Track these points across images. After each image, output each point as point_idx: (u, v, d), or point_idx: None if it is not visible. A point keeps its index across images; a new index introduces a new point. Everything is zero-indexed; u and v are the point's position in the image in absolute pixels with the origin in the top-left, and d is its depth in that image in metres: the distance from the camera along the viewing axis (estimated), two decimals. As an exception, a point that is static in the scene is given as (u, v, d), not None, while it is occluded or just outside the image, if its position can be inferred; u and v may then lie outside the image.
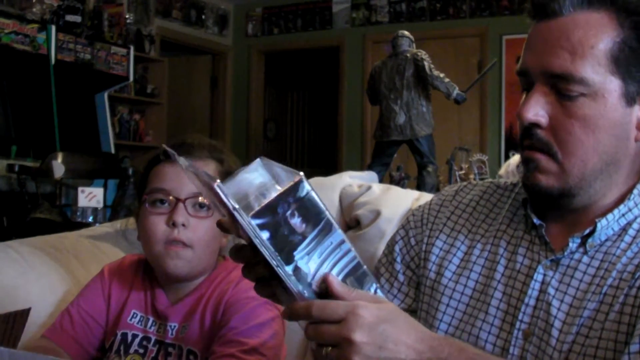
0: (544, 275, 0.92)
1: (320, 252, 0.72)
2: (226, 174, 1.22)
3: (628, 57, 0.87)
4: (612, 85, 0.87)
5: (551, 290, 0.91)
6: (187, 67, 7.44)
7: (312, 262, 0.72)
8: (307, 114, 9.51)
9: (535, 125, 0.90)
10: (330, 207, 1.61)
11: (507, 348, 0.92)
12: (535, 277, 0.93)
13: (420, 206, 1.13)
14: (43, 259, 1.43)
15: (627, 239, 0.90)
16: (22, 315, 1.06)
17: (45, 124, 4.64)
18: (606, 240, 0.91)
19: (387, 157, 4.93)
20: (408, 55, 4.80)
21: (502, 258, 0.97)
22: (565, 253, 0.92)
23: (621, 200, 0.93)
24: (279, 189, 0.68)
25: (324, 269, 0.73)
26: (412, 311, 1.05)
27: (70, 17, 5.08)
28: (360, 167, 6.05)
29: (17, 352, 0.84)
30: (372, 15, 6.89)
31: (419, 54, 4.73)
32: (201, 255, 1.18)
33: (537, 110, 0.89)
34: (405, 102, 4.77)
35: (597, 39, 0.87)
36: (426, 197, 1.50)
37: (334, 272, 0.74)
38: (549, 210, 0.96)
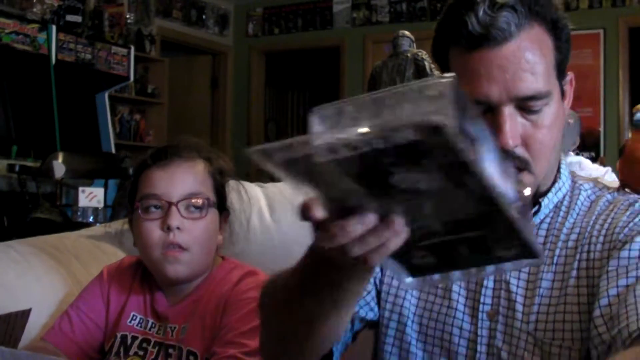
0: None
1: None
2: (216, 173, 1.22)
3: (561, 58, 0.93)
4: (556, 87, 0.93)
5: None
6: (188, 67, 7.44)
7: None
8: (308, 114, 9.49)
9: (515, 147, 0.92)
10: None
11: (475, 331, 0.96)
12: None
13: None
14: (43, 259, 1.43)
15: (562, 214, 0.99)
16: (22, 316, 1.06)
17: (45, 124, 4.64)
18: (545, 217, 0.99)
19: (387, 157, 4.93)
20: (408, 55, 4.80)
21: None
22: None
23: (554, 179, 1.00)
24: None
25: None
26: (373, 322, 1.06)
27: (70, 17, 5.08)
28: (361, 167, 6.05)
29: (19, 352, 0.84)
30: (372, 15, 6.89)
31: (419, 54, 4.74)
32: (199, 256, 1.17)
33: (515, 134, 0.90)
34: (405, 102, 4.76)
35: (545, 52, 0.90)
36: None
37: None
38: None
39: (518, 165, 0.92)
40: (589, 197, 1.01)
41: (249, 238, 1.42)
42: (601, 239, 0.94)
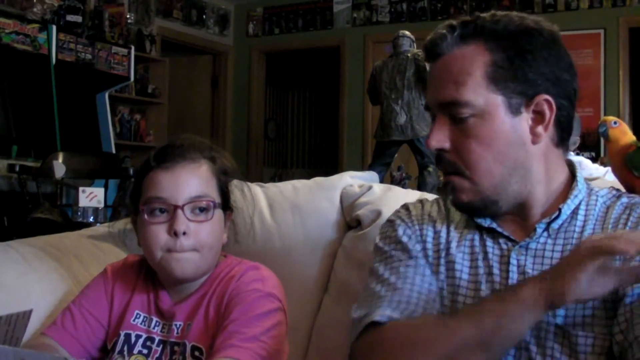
0: (518, 259, 1.03)
1: None
2: (220, 173, 1.22)
3: (503, 75, 1.00)
4: (496, 102, 1.01)
5: (529, 270, 1.02)
6: (188, 67, 7.44)
7: None
8: (308, 114, 9.51)
9: (442, 150, 1.04)
10: (331, 207, 1.61)
11: None
12: (511, 262, 1.03)
13: (391, 218, 1.20)
14: (44, 259, 1.43)
15: (580, 219, 1.04)
16: (23, 317, 1.06)
17: (46, 124, 4.64)
18: (562, 224, 1.04)
19: (388, 157, 4.94)
20: (409, 55, 4.81)
21: (476, 248, 1.08)
22: (534, 238, 1.04)
23: (565, 190, 1.06)
24: None
25: None
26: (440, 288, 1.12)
27: (71, 17, 5.08)
28: (361, 167, 6.05)
29: (22, 351, 0.84)
30: (373, 15, 6.89)
31: (419, 54, 4.74)
32: (206, 257, 1.18)
33: (439, 137, 1.04)
34: (406, 102, 4.77)
35: (472, 67, 1.01)
36: (427, 197, 1.50)
37: None
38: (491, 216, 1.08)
39: (447, 169, 1.05)
40: (604, 203, 1.06)
41: (253, 237, 1.42)
42: None
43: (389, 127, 4.79)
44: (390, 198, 1.53)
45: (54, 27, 4.81)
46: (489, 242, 1.06)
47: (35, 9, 4.88)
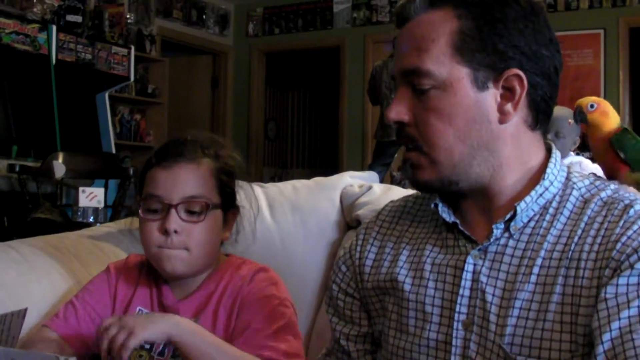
0: (474, 265, 0.94)
1: None
2: (222, 172, 1.21)
3: (470, 45, 0.91)
4: (460, 74, 0.91)
5: (483, 278, 0.92)
6: (188, 67, 7.44)
7: None
8: (308, 114, 9.51)
9: (401, 123, 0.96)
10: (331, 207, 1.61)
11: (449, 341, 0.93)
12: (466, 267, 0.94)
13: (344, 247, 1.15)
14: (44, 259, 1.43)
15: (548, 217, 0.92)
16: (18, 316, 1.06)
17: (46, 124, 4.64)
18: (529, 221, 0.93)
19: (388, 157, 4.94)
20: (409, 55, 4.79)
21: (427, 258, 0.99)
22: (492, 240, 0.93)
23: (536, 180, 0.94)
24: None
25: None
26: (371, 334, 1.07)
27: (71, 17, 5.08)
28: (361, 167, 6.04)
29: (13, 350, 0.84)
30: (373, 15, 6.89)
31: (419, 54, 4.73)
32: (198, 255, 1.18)
33: (399, 109, 0.95)
34: (406, 102, 4.76)
35: (437, 33, 0.92)
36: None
37: None
38: (457, 204, 0.99)
39: (407, 144, 0.97)
40: (582, 195, 0.93)
41: (253, 237, 1.42)
42: (593, 255, 0.86)
43: (389, 127, 4.79)
44: (390, 198, 1.53)
45: (54, 27, 4.81)
46: (450, 243, 0.98)
47: (35, 9, 4.88)
